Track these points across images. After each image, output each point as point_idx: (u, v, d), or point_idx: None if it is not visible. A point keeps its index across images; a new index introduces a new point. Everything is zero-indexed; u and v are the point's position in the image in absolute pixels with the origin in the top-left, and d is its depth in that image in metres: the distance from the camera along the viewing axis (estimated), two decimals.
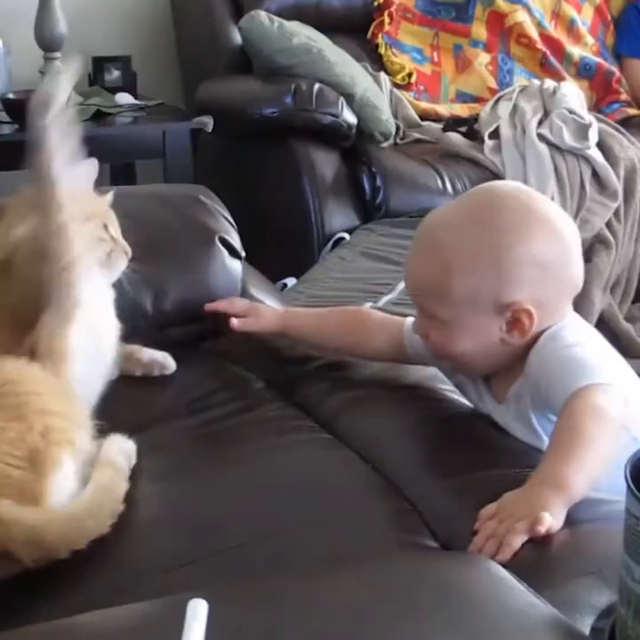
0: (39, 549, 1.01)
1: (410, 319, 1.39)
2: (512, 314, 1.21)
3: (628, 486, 0.75)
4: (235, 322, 1.49)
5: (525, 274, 1.21)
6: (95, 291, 1.34)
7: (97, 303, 1.35)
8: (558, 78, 3.32)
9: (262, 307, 1.55)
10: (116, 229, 1.42)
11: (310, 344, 1.50)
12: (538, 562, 0.96)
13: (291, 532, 1.07)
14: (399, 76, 3.30)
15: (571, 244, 1.24)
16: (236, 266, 1.68)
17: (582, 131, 2.95)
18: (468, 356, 1.25)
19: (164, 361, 1.46)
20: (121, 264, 1.40)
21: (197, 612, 0.68)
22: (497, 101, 3.13)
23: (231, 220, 1.73)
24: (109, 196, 1.46)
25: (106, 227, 1.40)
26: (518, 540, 0.98)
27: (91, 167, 1.40)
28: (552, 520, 1.00)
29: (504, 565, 0.84)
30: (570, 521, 1.02)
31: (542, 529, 0.98)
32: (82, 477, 1.14)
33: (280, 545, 1.05)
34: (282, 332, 1.49)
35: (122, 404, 1.35)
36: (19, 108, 2.71)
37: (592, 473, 1.05)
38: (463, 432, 1.28)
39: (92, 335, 1.32)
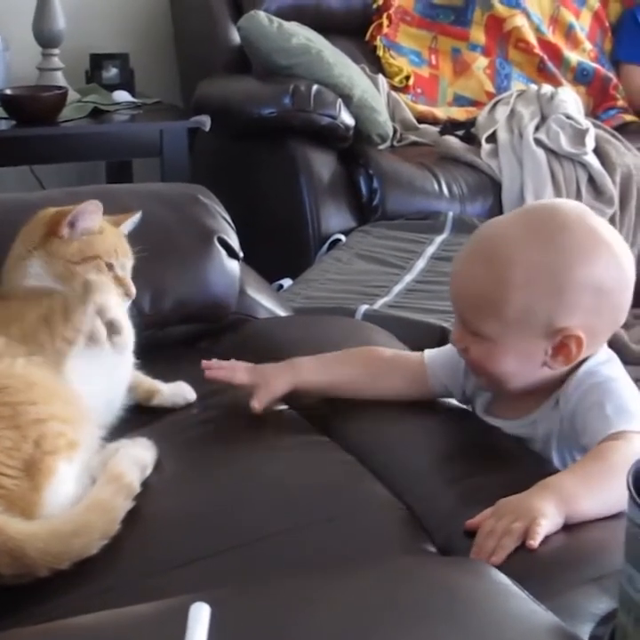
0: (17, 562, 0.98)
1: (429, 351, 1.35)
2: (561, 339, 1.17)
3: (630, 494, 0.75)
4: (255, 406, 1.33)
5: (583, 299, 1.16)
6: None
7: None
8: (556, 83, 3.33)
9: (266, 370, 1.36)
10: (122, 266, 1.35)
11: (325, 395, 1.38)
12: (539, 569, 0.96)
13: (288, 534, 1.07)
14: (397, 79, 3.31)
15: (628, 271, 1.19)
16: (234, 266, 1.68)
17: (579, 136, 2.95)
18: (506, 376, 1.21)
19: (188, 396, 1.40)
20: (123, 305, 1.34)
21: (200, 616, 0.68)
22: (494, 105, 3.14)
23: (229, 221, 1.73)
24: (130, 222, 1.41)
25: (111, 266, 1.33)
26: (512, 544, 0.98)
27: (96, 208, 1.32)
28: (548, 526, 1.00)
29: (505, 572, 0.84)
30: (570, 528, 1.02)
31: (538, 538, 0.98)
32: (88, 476, 1.13)
33: (278, 547, 1.05)
34: (293, 391, 1.36)
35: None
36: (16, 104, 2.70)
37: (602, 501, 1.03)
38: (463, 437, 1.28)
39: (106, 370, 1.29)
